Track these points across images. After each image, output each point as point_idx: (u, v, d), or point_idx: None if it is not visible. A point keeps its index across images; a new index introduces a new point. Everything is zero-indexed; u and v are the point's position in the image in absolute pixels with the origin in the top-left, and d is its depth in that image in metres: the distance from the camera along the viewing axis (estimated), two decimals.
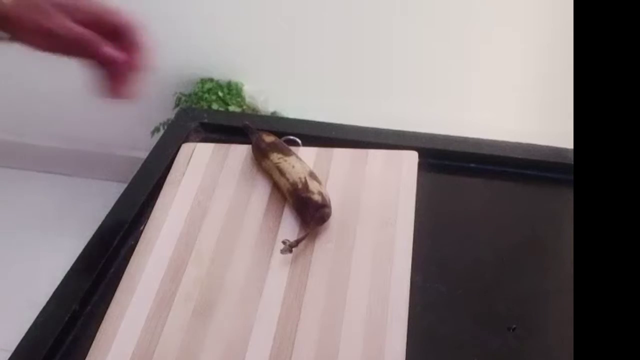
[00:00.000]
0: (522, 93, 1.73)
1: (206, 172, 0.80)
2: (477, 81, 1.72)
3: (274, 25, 1.71)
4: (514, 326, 0.65)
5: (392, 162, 0.79)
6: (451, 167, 0.82)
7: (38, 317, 0.68)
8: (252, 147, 0.81)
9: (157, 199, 0.78)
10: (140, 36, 0.69)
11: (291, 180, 0.74)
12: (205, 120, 0.89)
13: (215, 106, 1.68)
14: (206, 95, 1.71)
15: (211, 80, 1.75)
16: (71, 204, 1.94)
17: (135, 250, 0.73)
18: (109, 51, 0.67)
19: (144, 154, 0.86)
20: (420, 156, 0.80)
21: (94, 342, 0.64)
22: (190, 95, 1.76)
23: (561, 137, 0.83)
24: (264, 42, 1.73)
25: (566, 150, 0.81)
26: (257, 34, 1.72)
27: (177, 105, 1.74)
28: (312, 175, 0.75)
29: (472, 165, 0.82)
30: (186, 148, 0.84)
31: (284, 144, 0.80)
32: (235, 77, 1.74)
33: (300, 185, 0.73)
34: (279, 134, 0.83)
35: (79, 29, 0.66)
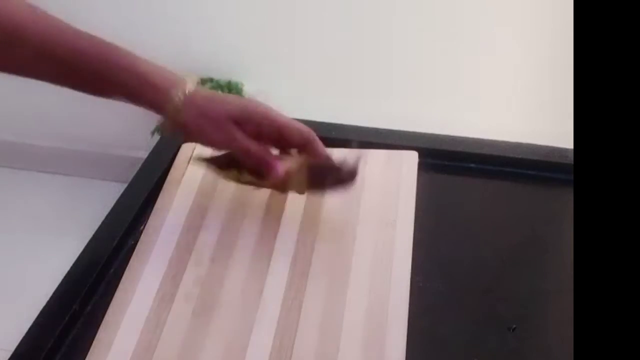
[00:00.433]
0: (522, 93, 1.72)
1: (206, 172, 0.80)
2: (477, 81, 1.72)
3: (274, 25, 1.70)
4: (514, 326, 0.65)
5: (392, 162, 0.79)
6: (451, 167, 0.82)
7: (38, 317, 0.68)
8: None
9: (157, 199, 0.78)
10: (319, 148, 0.71)
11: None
12: None
13: None
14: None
15: (211, 80, 1.74)
16: (71, 204, 1.93)
17: (135, 250, 0.73)
18: (279, 171, 0.70)
19: (144, 154, 0.86)
20: (420, 156, 0.80)
21: (94, 342, 0.64)
22: None
23: (561, 137, 0.83)
24: (264, 42, 1.73)
25: (566, 150, 0.81)
26: (257, 34, 1.72)
27: None
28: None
29: (472, 165, 0.82)
30: (186, 148, 0.84)
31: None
32: (235, 77, 1.74)
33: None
34: None
35: (255, 149, 0.69)
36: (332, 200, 0.75)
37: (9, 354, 0.65)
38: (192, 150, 0.83)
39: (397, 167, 0.79)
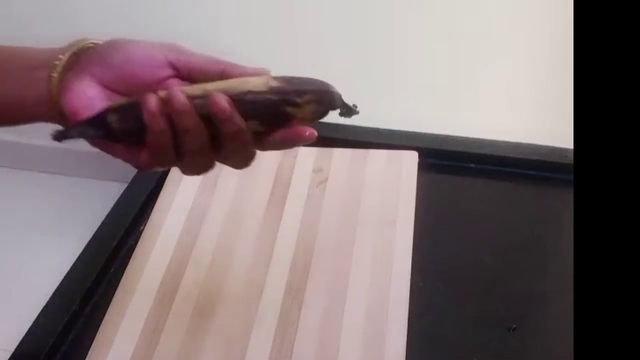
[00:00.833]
0: (522, 93, 1.72)
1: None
2: (477, 81, 1.72)
3: (274, 25, 1.71)
4: (514, 326, 0.65)
5: (392, 162, 0.79)
6: (451, 167, 0.82)
7: (38, 317, 0.68)
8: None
9: (157, 199, 0.78)
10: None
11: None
12: None
13: None
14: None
15: None
16: (71, 204, 1.93)
17: (135, 250, 0.73)
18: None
19: None
20: (420, 156, 0.80)
21: (94, 342, 0.64)
22: None
23: (561, 137, 0.83)
24: (264, 42, 1.73)
25: (566, 150, 0.81)
26: (257, 33, 1.72)
27: None
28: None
29: (472, 165, 0.82)
30: None
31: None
32: None
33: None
34: None
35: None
36: (332, 200, 0.75)
37: (9, 354, 0.65)
38: None
39: (397, 167, 0.79)
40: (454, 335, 0.65)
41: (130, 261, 0.71)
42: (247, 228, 0.73)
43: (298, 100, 0.53)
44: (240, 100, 0.50)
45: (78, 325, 0.68)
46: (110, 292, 0.69)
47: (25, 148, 2.06)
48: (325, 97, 0.55)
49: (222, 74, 0.53)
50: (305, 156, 0.80)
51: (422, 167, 0.79)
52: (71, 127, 0.53)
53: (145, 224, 0.76)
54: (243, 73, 0.53)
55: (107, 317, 0.66)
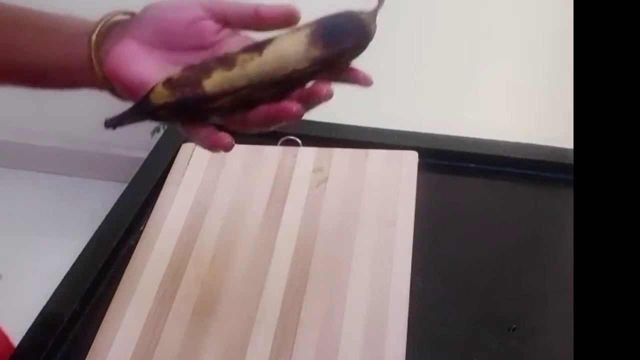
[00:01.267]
0: (522, 93, 1.72)
1: (206, 172, 0.80)
2: (477, 81, 1.72)
3: None
4: (514, 326, 0.65)
5: (392, 162, 0.79)
6: (451, 167, 0.82)
7: (38, 317, 0.68)
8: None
9: (157, 199, 0.78)
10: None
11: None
12: None
13: None
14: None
15: None
16: (71, 204, 1.93)
17: (135, 250, 0.73)
18: None
19: (144, 154, 0.86)
20: (420, 156, 0.80)
21: (94, 342, 0.64)
22: None
23: (561, 137, 0.83)
24: (263, 38, 1.73)
25: (566, 150, 0.81)
26: (257, 33, 1.72)
27: None
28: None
29: (472, 165, 0.82)
30: (186, 148, 0.84)
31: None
32: None
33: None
34: (279, 134, 0.83)
35: None
36: (332, 200, 0.75)
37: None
38: (192, 151, 0.83)
39: (397, 167, 0.79)
40: (454, 335, 0.65)
41: (130, 261, 0.71)
42: (247, 228, 0.73)
43: (341, 60, 0.54)
44: (288, 81, 0.52)
45: (78, 325, 0.68)
46: (110, 292, 0.69)
47: (25, 148, 2.07)
48: (364, 43, 0.55)
49: (254, 15, 0.54)
50: (305, 156, 0.80)
51: (422, 167, 0.79)
52: (119, 115, 0.55)
53: (145, 224, 0.76)
54: (273, 14, 0.54)
55: (107, 317, 0.66)
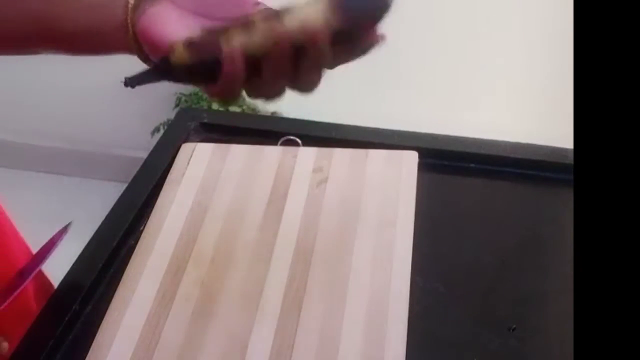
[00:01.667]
0: (522, 93, 1.73)
1: (206, 172, 0.80)
2: (478, 81, 1.72)
3: None
4: (514, 326, 0.65)
5: (392, 162, 0.79)
6: (451, 167, 0.82)
7: (38, 316, 0.68)
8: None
9: (157, 199, 0.78)
10: None
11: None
12: (205, 120, 0.89)
13: (215, 106, 1.68)
14: (206, 95, 1.71)
15: None
16: (71, 204, 1.94)
17: (135, 250, 0.73)
18: None
19: (144, 154, 0.86)
20: (420, 156, 0.80)
21: (94, 342, 0.64)
22: (190, 95, 1.76)
23: (561, 137, 0.83)
24: None
25: (566, 150, 0.81)
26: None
27: (177, 105, 1.74)
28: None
29: (472, 165, 0.82)
30: (186, 148, 0.84)
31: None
32: None
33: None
34: (279, 134, 0.83)
35: None
36: (332, 200, 0.75)
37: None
38: (192, 151, 0.83)
39: (397, 167, 0.79)
40: (454, 335, 0.65)
41: (130, 261, 0.71)
42: (247, 228, 0.73)
43: (360, 31, 0.55)
44: (305, 51, 0.53)
45: (78, 325, 0.68)
46: (110, 292, 0.69)
47: (25, 148, 2.07)
48: (382, 12, 0.56)
49: None
50: (305, 156, 0.80)
51: (422, 167, 0.79)
52: (139, 74, 0.55)
53: (145, 224, 0.76)
54: None
55: (107, 317, 0.66)
